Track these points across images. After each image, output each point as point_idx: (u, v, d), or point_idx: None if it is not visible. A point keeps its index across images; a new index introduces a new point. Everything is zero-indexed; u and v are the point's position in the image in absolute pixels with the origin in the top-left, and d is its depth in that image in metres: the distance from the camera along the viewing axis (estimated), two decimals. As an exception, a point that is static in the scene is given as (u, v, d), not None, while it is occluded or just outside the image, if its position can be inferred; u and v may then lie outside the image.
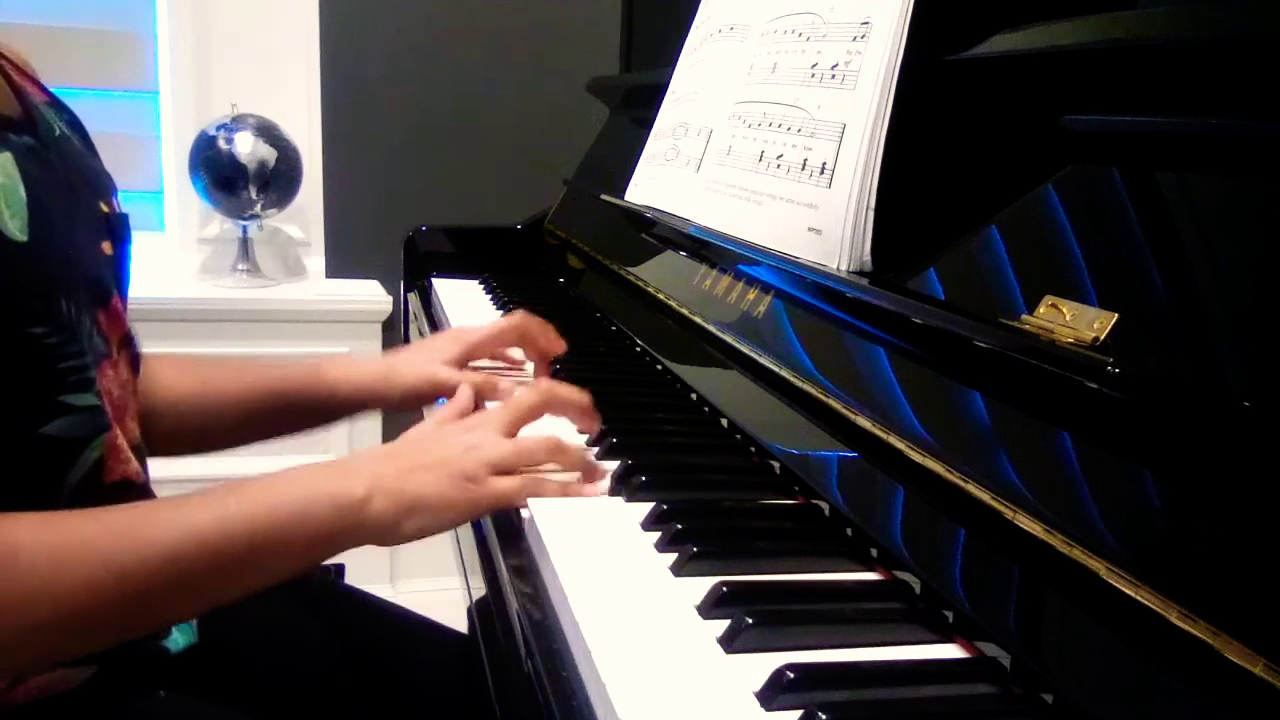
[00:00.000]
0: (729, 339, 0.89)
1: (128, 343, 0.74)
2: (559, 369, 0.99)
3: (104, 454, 0.66)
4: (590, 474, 0.73)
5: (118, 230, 0.74)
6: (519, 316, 0.98)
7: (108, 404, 0.67)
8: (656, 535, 0.64)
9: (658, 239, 1.16)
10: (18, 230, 0.60)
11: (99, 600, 0.56)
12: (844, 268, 0.78)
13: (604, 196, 1.32)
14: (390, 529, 0.65)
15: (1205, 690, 0.40)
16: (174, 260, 2.09)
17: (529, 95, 2.12)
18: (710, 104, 1.07)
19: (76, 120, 0.77)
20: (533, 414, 0.74)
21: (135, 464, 0.70)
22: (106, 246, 0.72)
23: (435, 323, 1.37)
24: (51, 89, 0.76)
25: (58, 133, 0.72)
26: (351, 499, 0.63)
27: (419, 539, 0.66)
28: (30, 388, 0.61)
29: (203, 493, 0.62)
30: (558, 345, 0.99)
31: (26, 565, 0.54)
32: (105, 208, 0.73)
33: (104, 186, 0.75)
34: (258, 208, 1.95)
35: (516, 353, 1.04)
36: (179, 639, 0.74)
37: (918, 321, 0.65)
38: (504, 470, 0.68)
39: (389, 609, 0.97)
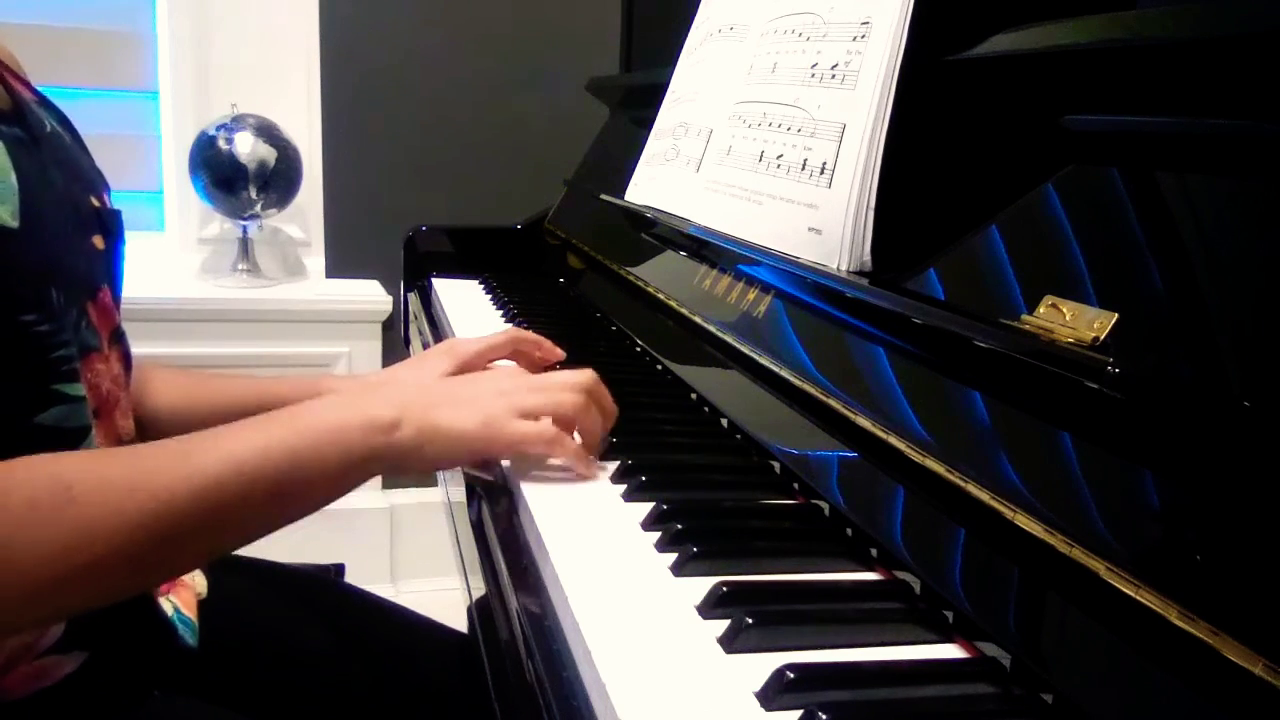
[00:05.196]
0: (729, 339, 0.89)
1: (119, 338, 0.74)
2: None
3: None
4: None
5: (110, 226, 0.74)
6: (512, 330, 0.98)
7: (94, 397, 0.67)
8: (656, 535, 0.64)
9: (658, 239, 1.16)
10: (9, 216, 0.60)
11: (150, 534, 0.56)
12: (844, 268, 0.78)
13: (604, 196, 1.32)
14: (413, 453, 0.66)
15: (1205, 690, 0.40)
16: (174, 260, 2.09)
17: (529, 95, 2.12)
18: (710, 104, 1.07)
19: (66, 118, 0.77)
20: (562, 415, 0.73)
21: None
22: (99, 241, 0.72)
23: (435, 323, 1.37)
24: (51, 89, 0.76)
25: (48, 128, 0.72)
26: (381, 421, 0.65)
27: (442, 468, 0.70)
28: (23, 376, 0.61)
29: (236, 424, 0.63)
30: (553, 354, 0.98)
31: (81, 500, 0.54)
32: (97, 202, 0.73)
33: (95, 182, 0.75)
34: (258, 208, 1.95)
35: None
36: (186, 635, 0.74)
37: (918, 321, 0.65)
38: (530, 418, 0.70)
39: (389, 608, 0.97)
